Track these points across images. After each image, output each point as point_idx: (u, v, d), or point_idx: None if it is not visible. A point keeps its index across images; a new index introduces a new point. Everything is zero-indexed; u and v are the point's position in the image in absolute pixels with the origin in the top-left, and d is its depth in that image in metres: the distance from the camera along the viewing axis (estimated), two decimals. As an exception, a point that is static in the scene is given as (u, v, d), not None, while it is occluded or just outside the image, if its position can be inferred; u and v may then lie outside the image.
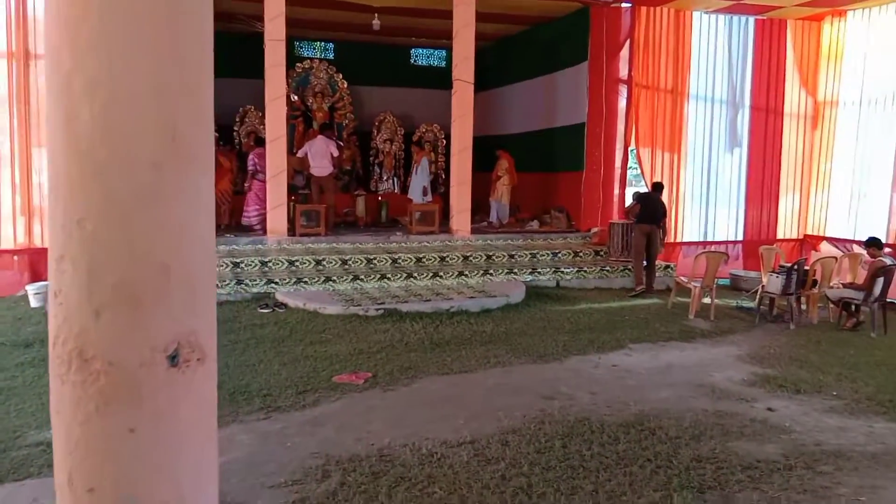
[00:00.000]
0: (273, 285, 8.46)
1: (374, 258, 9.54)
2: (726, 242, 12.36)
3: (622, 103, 11.53)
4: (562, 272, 9.90)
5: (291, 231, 10.56)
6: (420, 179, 12.28)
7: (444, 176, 14.57)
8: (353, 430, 4.64)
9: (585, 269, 10.03)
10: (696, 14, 11.76)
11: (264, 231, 10.53)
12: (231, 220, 11.73)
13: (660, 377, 6.08)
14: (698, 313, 8.50)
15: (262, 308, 7.89)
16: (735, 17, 12.13)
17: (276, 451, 4.31)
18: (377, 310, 7.69)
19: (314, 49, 15.78)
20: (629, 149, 11.61)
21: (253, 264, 8.98)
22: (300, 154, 11.66)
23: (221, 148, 12.98)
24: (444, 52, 16.41)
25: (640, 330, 7.76)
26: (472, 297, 8.32)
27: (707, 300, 8.73)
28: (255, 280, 8.44)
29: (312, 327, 7.26)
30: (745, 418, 5.05)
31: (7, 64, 8.52)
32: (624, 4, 11.42)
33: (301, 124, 14.45)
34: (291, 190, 12.34)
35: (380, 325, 7.39)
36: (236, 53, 13.56)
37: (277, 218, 10.24)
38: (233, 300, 8.27)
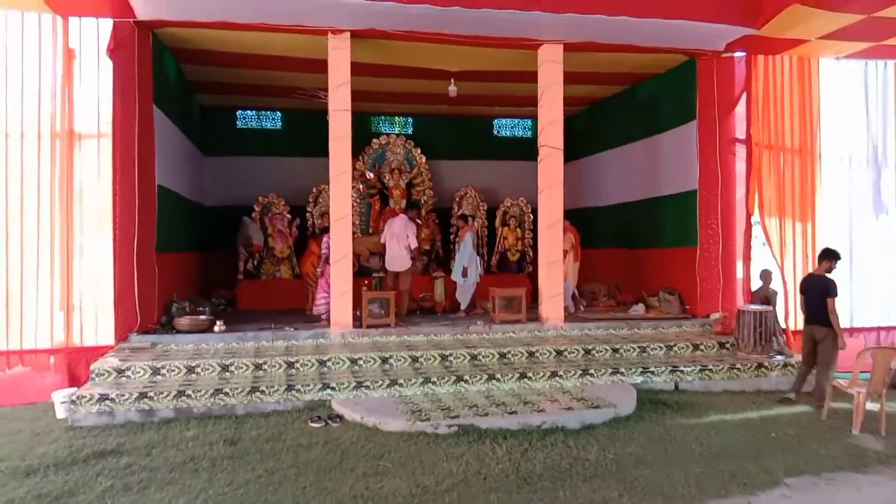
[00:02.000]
0: (329, 391, 7.12)
1: (450, 354, 8.08)
2: (878, 329, 10.23)
3: (740, 166, 9.87)
4: (680, 372, 8.04)
5: (360, 321, 9.30)
6: (461, 258, 10.70)
7: (531, 254, 13.19)
8: None
9: (710, 367, 8.11)
10: (822, 61, 10.11)
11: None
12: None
13: (847, 542, 4.26)
14: (863, 426, 6.60)
15: (313, 421, 6.54)
16: (871, 62, 10.40)
17: None
18: (450, 426, 6.17)
19: (393, 124, 15.04)
20: (752, 218, 9.82)
21: (310, 364, 7.72)
22: (382, 240, 10.48)
23: (316, 235, 12.04)
24: (529, 122, 15.35)
25: (793, 454, 5.90)
26: (569, 409, 6.65)
27: (873, 407, 6.82)
28: (310, 385, 7.12)
29: (369, 450, 5.82)
30: None
31: (51, 144, 7.87)
32: (737, 54, 9.92)
33: (377, 203, 13.61)
34: (364, 273, 11.22)
35: (452, 447, 5.86)
36: (311, 131, 12.86)
37: (341, 308, 9.00)
38: (281, 410, 6.97)
